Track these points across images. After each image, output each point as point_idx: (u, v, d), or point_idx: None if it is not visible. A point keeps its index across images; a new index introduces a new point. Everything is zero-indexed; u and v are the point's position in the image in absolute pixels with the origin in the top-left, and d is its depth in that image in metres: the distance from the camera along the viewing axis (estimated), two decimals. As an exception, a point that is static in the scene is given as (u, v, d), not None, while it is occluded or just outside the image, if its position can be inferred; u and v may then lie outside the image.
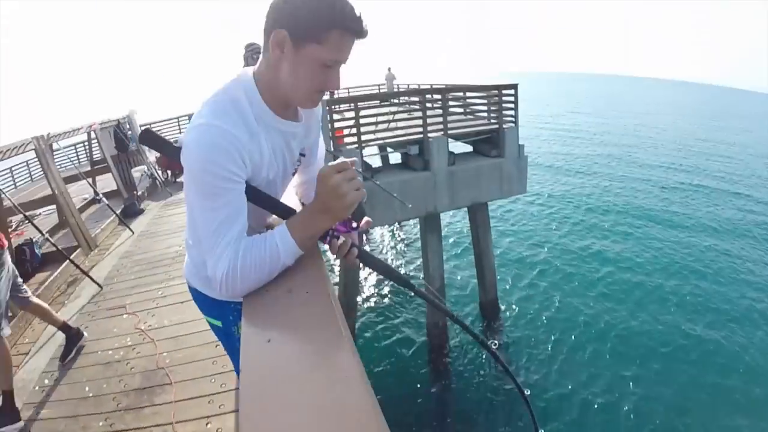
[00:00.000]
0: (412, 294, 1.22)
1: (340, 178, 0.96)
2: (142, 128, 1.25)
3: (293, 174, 1.34)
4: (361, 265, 1.21)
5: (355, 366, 0.79)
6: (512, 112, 9.41)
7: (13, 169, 15.20)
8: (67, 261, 5.13)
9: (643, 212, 16.65)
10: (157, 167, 10.08)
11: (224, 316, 1.44)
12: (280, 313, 1.01)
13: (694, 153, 28.00)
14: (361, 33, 1.00)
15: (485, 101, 10.12)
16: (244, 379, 0.79)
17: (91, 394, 3.02)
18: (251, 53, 5.04)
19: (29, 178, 15.15)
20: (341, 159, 0.98)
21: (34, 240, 6.07)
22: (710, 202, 18.02)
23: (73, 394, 3.08)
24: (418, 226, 10.47)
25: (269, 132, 1.10)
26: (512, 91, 9.38)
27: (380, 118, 9.19)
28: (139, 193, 8.81)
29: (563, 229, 15.15)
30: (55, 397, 3.09)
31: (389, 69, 18.60)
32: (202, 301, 1.45)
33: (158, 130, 19.82)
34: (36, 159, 16.34)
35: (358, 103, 8.15)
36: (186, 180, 1.03)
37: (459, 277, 11.84)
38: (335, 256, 1.14)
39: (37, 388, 3.22)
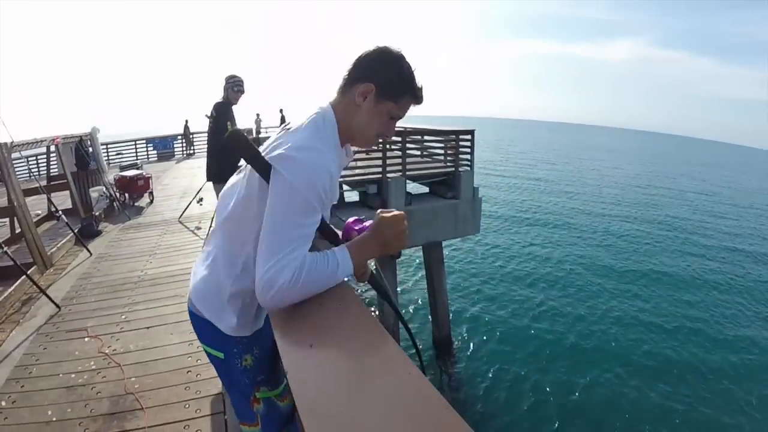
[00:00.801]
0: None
1: (407, 226, 1.25)
2: (232, 129, 1.30)
3: None
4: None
5: (406, 358, 0.92)
6: (468, 156, 10.01)
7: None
8: (23, 277, 5.01)
9: (586, 248, 18.48)
10: (115, 188, 9.95)
11: (227, 347, 1.43)
12: (317, 323, 1.12)
13: (636, 195, 32.08)
14: (420, 101, 1.33)
15: (443, 145, 10.70)
16: (294, 383, 0.88)
17: (54, 419, 2.97)
18: (231, 86, 5.24)
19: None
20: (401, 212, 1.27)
21: (-17, 252, 5.86)
22: (653, 240, 20.37)
23: (34, 417, 3.00)
24: (372, 263, 10.69)
25: (338, 163, 1.31)
26: (469, 136, 10.04)
27: None
28: (97, 213, 8.63)
29: (512, 266, 16.07)
30: (14, 420, 3.00)
31: None
32: (206, 330, 1.43)
33: (117, 150, 19.60)
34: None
35: None
36: (279, 191, 1.13)
37: (413, 314, 12.16)
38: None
39: (-8, 409, 3.13)
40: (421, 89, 1.31)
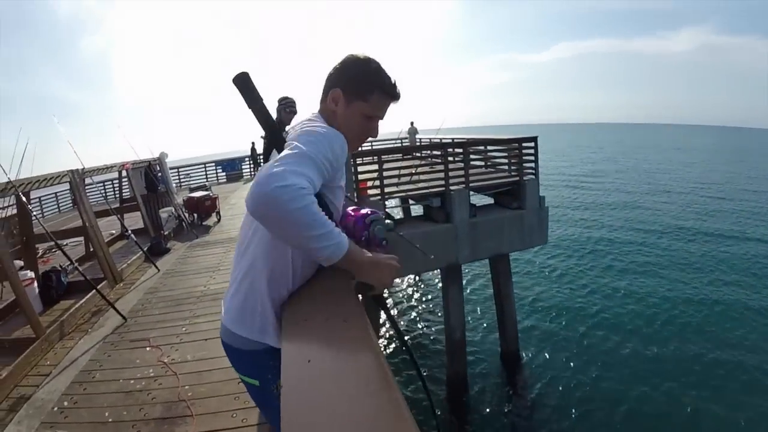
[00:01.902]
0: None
1: (397, 272, 1.31)
2: (239, 72, 1.43)
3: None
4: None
5: (388, 378, 0.94)
6: (532, 165, 9.88)
7: (42, 199, 15.98)
8: (94, 291, 5.42)
9: (667, 259, 16.93)
10: (184, 209, 10.53)
11: (262, 375, 1.47)
12: (319, 338, 1.18)
13: (714, 195, 29.05)
14: (394, 96, 1.42)
15: (506, 154, 10.59)
16: (285, 394, 0.93)
17: (110, 420, 3.18)
18: (284, 107, 5.48)
19: (57, 209, 15.90)
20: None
21: (61, 267, 6.36)
22: (737, 247, 18.15)
23: (92, 417, 3.24)
24: (439, 277, 10.67)
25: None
26: (532, 144, 9.87)
27: (403, 171, 9.70)
28: (166, 232, 9.19)
29: (582, 277, 15.42)
30: (73, 419, 3.26)
31: (412, 123, 19.50)
32: (239, 358, 1.51)
33: (187, 173, 20.77)
34: (66, 192, 17.18)
35: (382, 156, 8.67)
36: (305, 132, 1.27)
37: (480, 328, 11.96)
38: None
39: (56, 408, 3.41)
40: (393, 85, 1.40)
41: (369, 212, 1.47)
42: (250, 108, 1.47)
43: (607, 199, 29.18)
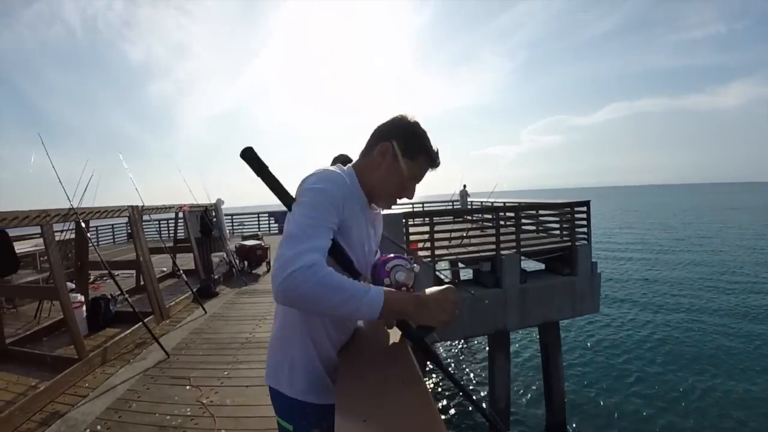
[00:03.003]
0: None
1: (458, 302, 1.30)
2: (245, 147, 1.53)
3: (375, 252, 1.66)
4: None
5: None
6: (585, 229, 9.71)
7: (99, 228, 16.74)
8: (140, 323, 5.52)
9: (738, 331, 15.66)
10: (235, 256, 10.77)
11: (297, 420, 1.53)
12: (376, 397, 1.17)
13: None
14: (435, 163, 1.50)
15: (558, 218, 10.44)
16: None
17: (142, 452, 3.15)
18: (340, 165, 5.61)
19: (112, 241, 16.60)
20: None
21: (111, 296, 6.55)
22: None
23: (125, 447, 3.22)
24: (485, 344, 10.38)
25: (360, 207, 1.47)
26: (584, 208, 9.73)
27: (454, 234, 9.73)
28: (216, 276, 9.38)
29: (635, 348, 14.58)
30: (105, 445, 3.24)
31: (464, 186, 19.57)
32: (277, 401, 1.57)
33: (240, 221, 21.41)
34: (122, 225, 17.87)
35: (433, 218, 8.75)
36: (299, 198, 1.33)
37: (525, 398, 11.37)
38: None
39: (88, 430, 3.43)
40: (436, 152, 1.49)
41: (392, 256, 1.49)
42: (258, 176, 1.54)
43: (660, 266, 27.99)
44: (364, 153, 1.52)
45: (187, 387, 4.28)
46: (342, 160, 5.60)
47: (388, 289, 1.24)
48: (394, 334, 1.52)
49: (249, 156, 1.53)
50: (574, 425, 10.21)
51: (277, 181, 1.53)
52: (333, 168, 1.43)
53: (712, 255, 29.94)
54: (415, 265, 1.44)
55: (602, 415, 10.67)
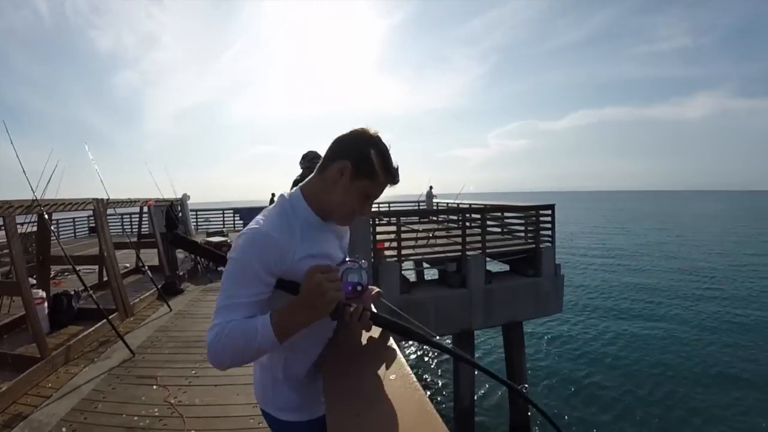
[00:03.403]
0: (434, 348, 1.42)
1: (323, 278, 1.20)
2: (174, 232, 1.56)
3: None
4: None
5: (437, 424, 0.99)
6: (549, 232, 9.99)
7: (59, 221, 16.32)
8: (104, 320, 5.42)
9: (679, 328, 16.67)
10: (200, 251, 10.64)
11: None
12: (367, 394, 1.20)
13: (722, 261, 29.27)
14: (394, 181, 1.44)
15: (523, 221, 10.74)
16: None
17: (111, 454, 3.10)
18: (309, 161, 5.59)
19: (73, 235, 16.22)
20: (327, 264, 1.28)
21: (74, 292, 6.41)
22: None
23: (91, 449, 3.17)
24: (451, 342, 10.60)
25: (315, 231, 1.43)
26: (549, 212, 10.02)
27: (420, 234, 9.86)
28: (181, 273, 9.24)
29: (596, 347, 15.14)
30: (71, 448, 3.18)
31: (431, 187, 19.76)
32: (271, 423, 1.60)
33: (205, 217, 21.20)
34: (83, 219, 17.46)
35: (400, 218, 8.91)
36: (226, 268, 1.32)
37: (490, 396, 11.59)
38: (350, 324, 1.37)
39: (53, 434, 3.34)
40: (396, 169, 1.43)
41: (345, 261, 1.47)
42: (191, 253, 1.58)
43: (621, 268, 29.25)
44: (321, 168, 1.44)
45: (154, 387, 4.23)
46: (311, 156, 5.61)
47: (276, 311, 1.25)
48: (374, 331, 1.52)
49: (178, 242, 1.57)
50: (537, 422, 10.46)
51: (208, 249, 1.66)
52: (259, 225, 1.33)
53: (670, 260, 31.03)
54: (362, 261, 1.44)
55: (564, 414, 10.94)
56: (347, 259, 1.46)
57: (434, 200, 19.79)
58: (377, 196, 1.47)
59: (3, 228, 4.86)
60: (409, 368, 1.30)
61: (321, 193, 1.42)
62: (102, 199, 6.93)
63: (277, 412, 1.53)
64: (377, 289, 1.57)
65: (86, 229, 19.07)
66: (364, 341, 1.52)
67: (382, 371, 1.31)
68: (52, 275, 7.78)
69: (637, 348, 14.95)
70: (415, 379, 1.23)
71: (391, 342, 1.49)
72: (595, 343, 15.65)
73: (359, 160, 1.36)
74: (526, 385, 9.08)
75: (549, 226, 10.06)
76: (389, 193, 1.64)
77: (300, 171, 5.60)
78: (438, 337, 1.45)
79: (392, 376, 1.26)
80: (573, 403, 11.38)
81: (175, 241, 1.61)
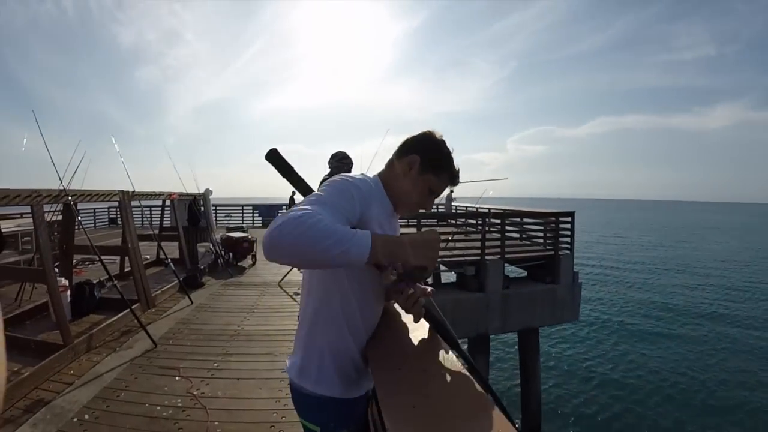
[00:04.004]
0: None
1: (439, 241, 1.34)
2: (270, 149, 1.57)
3: None
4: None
5: (507, 424, 0.96)
6: (568, 239, 9.93)
7: (81, 212, 16.53)
8: (127, 310, 5.39)
9: (707, 342, 16.55)
10: (221, 247, 10.62)
11: (324, 422, 1.54)
12: (420, 386, 1.18)
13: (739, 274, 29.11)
14: (455, 181, 1.59)
15: (542, 227, 10.68)
16: None
17: (133, 442, 3.05)
18: (343, 163, 5.56)
19: (93, 226, 16.37)
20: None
21: (98, 281, 6.41)
22: None
23: (113, 436, 3.12)
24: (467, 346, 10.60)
25: (386, 212, 1.54)
26: (569, 219, 9.97)
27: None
28: (202, 267, 9.23)
29: (612, 358, 15.07)
30: (93, 433, 3.14)
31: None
32: (303, 402, 1.57)
33: (226, 212, 21.30)
34: (104, 210, 17.62)
35: (420, 220, 8.93)
36: (321, 189, 1.36)
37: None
38: (402, 306, 1.41)
39: (75, 419, 3.33)
40: (457, 171, 1.58)
41: None
42: (284, 178, 1.66)
43: (638, 277, 29.22)
44: (391, 163, 1.58)
45: (177, 378, 4.18)
46: (341, 156, 5.57)
47: (377, 234, 1.23)
48: (422, 329, 1.55)
49: (274, 157, 1.61)
50: (551, 428, 10.34)
51: (303, 180, 1.65)
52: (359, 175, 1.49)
53: (685, 274, 30.79)
54: None
55: (577, 422, 10.82)
56: None
57: (453, 203, 19.67)
58: (439, 194, 1.60)
59: (29, 216, 4.87)
60: (457, 360, 1.31)
61: (392, 183, 1.55)
62: (127, 191, 6.94)
63: (314, 386, 1.50)
64: (431, 289, 1.54)
65: (106, 220, 19.35)
66: (410, 337, 1.55)
67: (431, 364, 1.31)
68: (73, 264, 7.81)
69: (645, 365, 14.72)
70: (465, 371, 1.23)
71: (437, 337, 1.49)
72: (610, 352, 15.57)
73: (428, 156, 1.51)
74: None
75: (568, 233, 9.98)
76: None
77: (328, 170, 5.58)
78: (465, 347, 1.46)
79: (443, 370, 1.27)
80: (585, 412, 11.28)
81: (275, 158, 1.58)
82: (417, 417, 1.02)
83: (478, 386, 1.15)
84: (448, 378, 1.22)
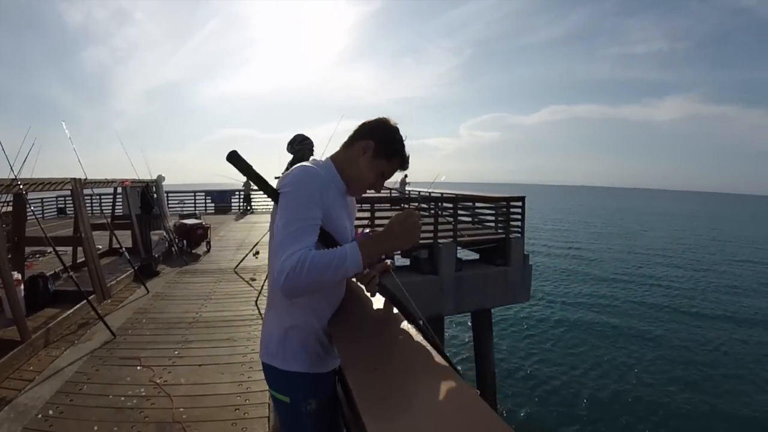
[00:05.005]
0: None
1: (418, 220, 1.47)
2: (230, 151, 1.68)
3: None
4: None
5: (466, 385, 1.10)
6: (519, 223, 10.21)
7: (29, 202, 16.02)
8: (84, 302, 5.36)
9: (650, 315, 17.92)
10: (174, 234, 10.50)
11: (293, 391, 1.62)
12: (381, 350, 1.38)
13: (699, 264, 30.19)
14: (405, 166, 1.70)
15: (494, 211, 10.92)
16: (361, 401, 1.05)
17: (99, 434, 3.11)
18: (308, 147, 5.61)
19: (41, 216, 15.90)
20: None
21: (53, 273, 6.31)
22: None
23: (80, 429, 3.18)
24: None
25: (340, 193, 1.66)
26: (519, 203, 10.27)
27: None
28: (156, 255, 9.13)
29: (561, 334, 15.81)
30: (60, 428, 3.19)
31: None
32: (272, 376, 1.66)
33: (180, 198, 20.93)
34: (52, 199, 17.05)
35: (374, 205, 9.04)
36: (280, 203, 1.46)
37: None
38: (360, 282, 1.68)
39: (40, 416, 3.34)
40: (408, 158, 1.68)
41: (361, 232, 1.73)
42: (245, 176, 1.72)
43: (587, 258, 30.69)
44: (346, 145, 1.68)
45: (138, 367, 4.22)
46: (300, 139, 5.62)
47: (360, 241, 1.41)
48: (379, 302, 1.76)
49: (234, 158, 1.68)
50: (505, 406, 10.83)
51: (261, 177, 1.70)
52: (307, 163, 1.59)
53: (631, 254, 32.58)
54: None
55: (531, 396, 11.40)
56: (368, 231, 1.61)
57: (406, 188, 19.77)
58: (389, 177, 1.71)
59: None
60: (413, 329, 1.49)
61: (345, 165, 1.65)
62: (80, 179, 6.76)
63: (284, 363, 1.60)
64: (389, 261, 1.72)
65: (54, 209, 18.74)
66: (370, 312, 1.73)
67: (390, 333, 1.53)
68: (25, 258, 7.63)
69: (595, 335, 15.66)
70: (421, 337, 1.41)
71: (395, 310, 1.69)
72: (560, 330, 16.28)
73: (382, 142, 1.61)
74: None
75: (519, 217, 10.22)
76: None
77: (290, 156, 5.62)
78: (423, 321, 1.61)
79: (400, 336, 1.46)
80: (538, 387, 11.87)
81: (235, 159, 1.65)
82: (378, 377, 1.16)
83: (431, 349, 1.31)
84: (405, 343, 1.40)
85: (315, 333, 1.61)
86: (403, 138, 1.66)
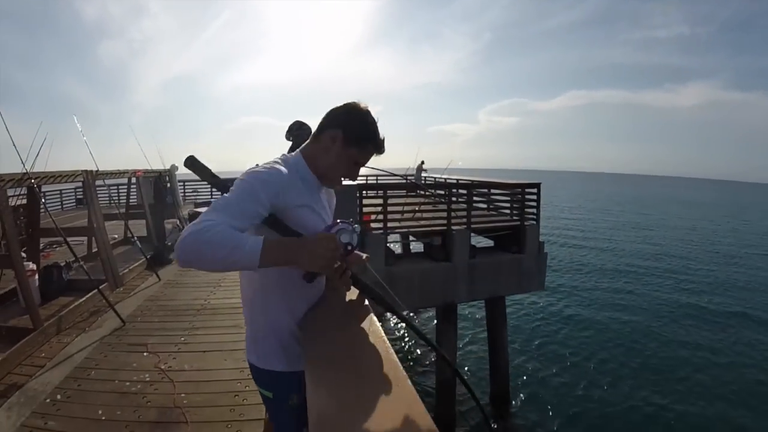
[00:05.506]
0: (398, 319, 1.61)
1: (335, 249, 1.32)
2: (188, 156, 1.69)
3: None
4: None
5: (399, 373, 1.18)
6: (534, 210, 10.04)
7: (46, 194, 16.30)
8: (95, 291, 5.50)
9: (666, 310, 17.07)
10: (188, 223, 10.63)
11: (275, 387, 1.65)
12: (341, 344, 1.45)
13: (719, 258, 28.47)
14: (380, 150, 1.61)
15: (508, 198, 10.78)
16: (309, 393, 1.13)
17: (104, 418, 3.22)
18: (297, 130, 5.62)
19: (60, 208, 16.17)
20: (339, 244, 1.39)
21: (65, 263, 6.46)
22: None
23: (85, 413, 3.28)
24: (434, 315, 11.02)
25: (312, 188, 1.59)
26: (535, 190, 10.08)
27: (406, 207, 9.81)
28: (169, 243, 9.29)
29: (580, 326, 15.40)
30: (66, 412, 3.30)
31: (422, 162, 19.62)
32: (255, 373, 1.69)
33: (193, 188, 21.09)
34: (70, 191, 17.33)
35: (387, 191, 8.88)
36: (232, 188, 1.40)
37: (471, 369, 11.80)
38: (330, 278, 1.54)
39: (48, 400, 3.45)
40: (382, 141, 1.60)
41: (337, 222, 1.54)
42: (204, 180, 1.74)
43: (603, 248, 29.76)
44: (315, 135, 1.59)
45: (145, 354, 4.33)
46: (297, 126, 5.64)
47: (272, 239, 1.30)
48: (353, 295, 1.72)
49: (192, 163, 1.71)
50: (519, 395, 10.63)
51: (219, 178, 1.73)
52: (276, 160, 1.53)
53: (646, 244, 31.39)
54: (356, 226, 1.52)
55: (545, 388, 11.11)
56: (340, 220, 1.55)
57: (423, 175, 19.62)
58: (365, 163, 1.62)
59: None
60: (378, 325, 1.51)
61: (316, 156, 1.58)
62: (91, 171, 6.90)
63: (262, 362, 1.63)
64: (366, 255, 1.70)
65: (73, 201, 19.05)
66: (344, 304, 1.72)
67: (356, 327, 1.51)
68: (41, 247, 7.81)
69: (609, 330, 15.12)
70: (383, 333, 1.44)
71: (366, 303, 1.66)
72: (576, 320, 15.91)
73: (349, 129, 1.52)
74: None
75: (534, 204, 10.06)
76: (380, 164, 1.85)
77: (289, 144, 5.65)
78: (407, 312, 1.62)
79: (365, 331, 1.48)
80: (553, 378, 11.60)
81: (193, 164, 1.70)
82: (334, 369, 1.27)
83: (387, 344, 1.36)
84: (366, 337, 1.43)
85: (292, 331, 1.60)
86: (376, 120, 1.58)
